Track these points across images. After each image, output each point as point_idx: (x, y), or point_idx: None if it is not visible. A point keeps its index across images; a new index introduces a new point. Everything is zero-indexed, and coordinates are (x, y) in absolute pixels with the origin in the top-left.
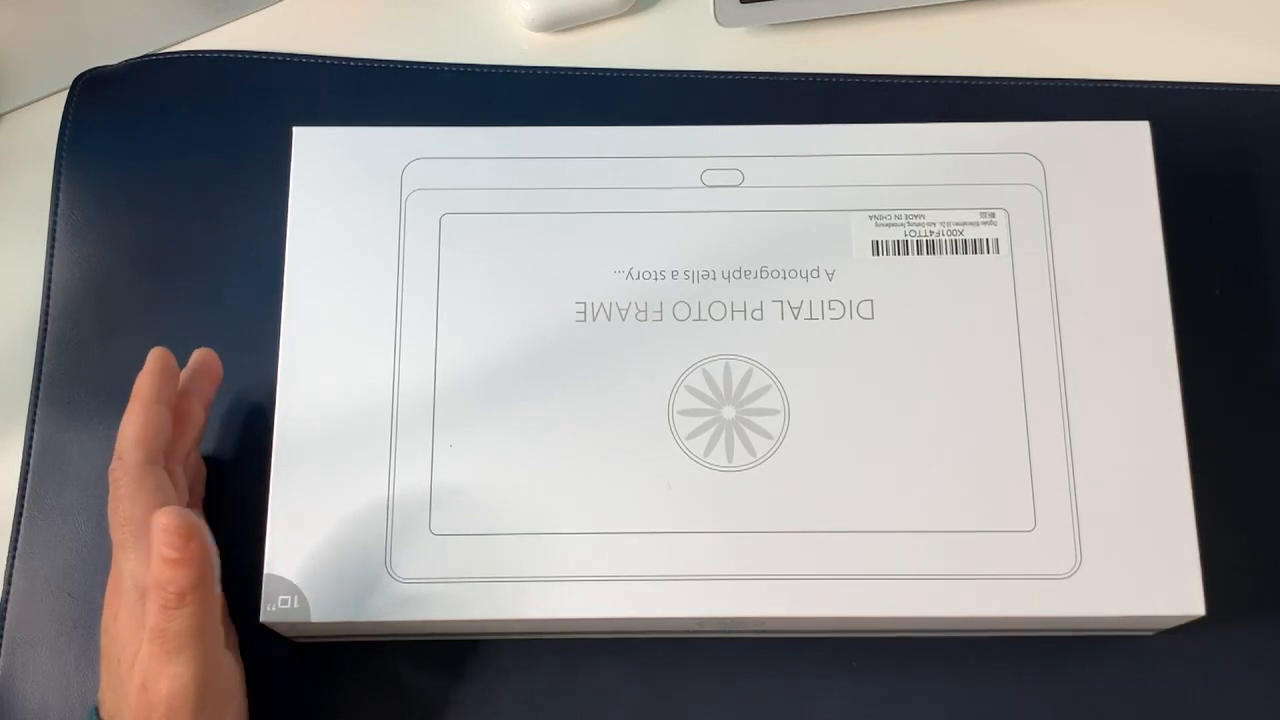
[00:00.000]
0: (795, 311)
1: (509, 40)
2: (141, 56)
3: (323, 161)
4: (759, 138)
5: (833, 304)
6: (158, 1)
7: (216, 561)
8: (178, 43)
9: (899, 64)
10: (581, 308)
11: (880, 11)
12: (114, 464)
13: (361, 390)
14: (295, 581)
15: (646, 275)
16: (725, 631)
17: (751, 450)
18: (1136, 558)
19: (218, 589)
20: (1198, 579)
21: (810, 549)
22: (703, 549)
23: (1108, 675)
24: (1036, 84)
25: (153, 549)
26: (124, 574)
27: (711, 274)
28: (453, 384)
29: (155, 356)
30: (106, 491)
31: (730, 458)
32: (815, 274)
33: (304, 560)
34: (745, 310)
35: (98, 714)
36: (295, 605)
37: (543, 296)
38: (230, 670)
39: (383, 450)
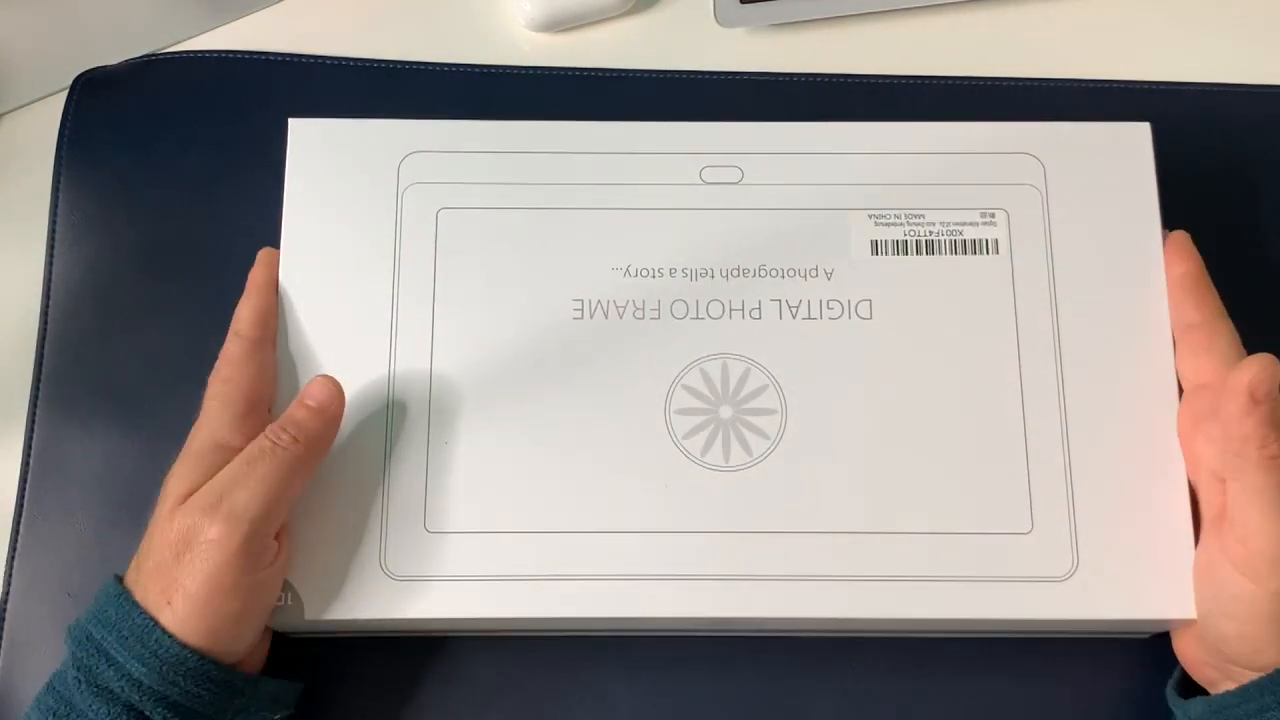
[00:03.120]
0: (794, 311)
1: (509, 40)
2: (141, 56)
3: (319, 153)
4: (758, 135)
5: (831, 303)
6: (158, 1)
7: (329, 443)
8: (178, 43)
9: (899, 64)
10: (579, 305)
11: (880, 12)
12: (229, 339)
13: (356, 385)
14: (289, 580)
15: (644, 273)
16: (723, 631)
17: (748, 450)
18: (1133, 561)
19: (314, 465)
20: (1191, 582)
21: (807, 550)
22: (699, 549)
23: (1105, 676)
24: (1036, 84)
25: (297, 401)
26: (202, 430)
27: (710, 272)
28: (448, 380)
29: (265, 253)
30: (106, 491)
31: (727, 457)
32: (814, 273)
33: (298, 558)
34: (743, 309)
35: (119, 579)
36: (289, 604)
37: (540, 293)
38: (269, 573)
39: (377, 446)
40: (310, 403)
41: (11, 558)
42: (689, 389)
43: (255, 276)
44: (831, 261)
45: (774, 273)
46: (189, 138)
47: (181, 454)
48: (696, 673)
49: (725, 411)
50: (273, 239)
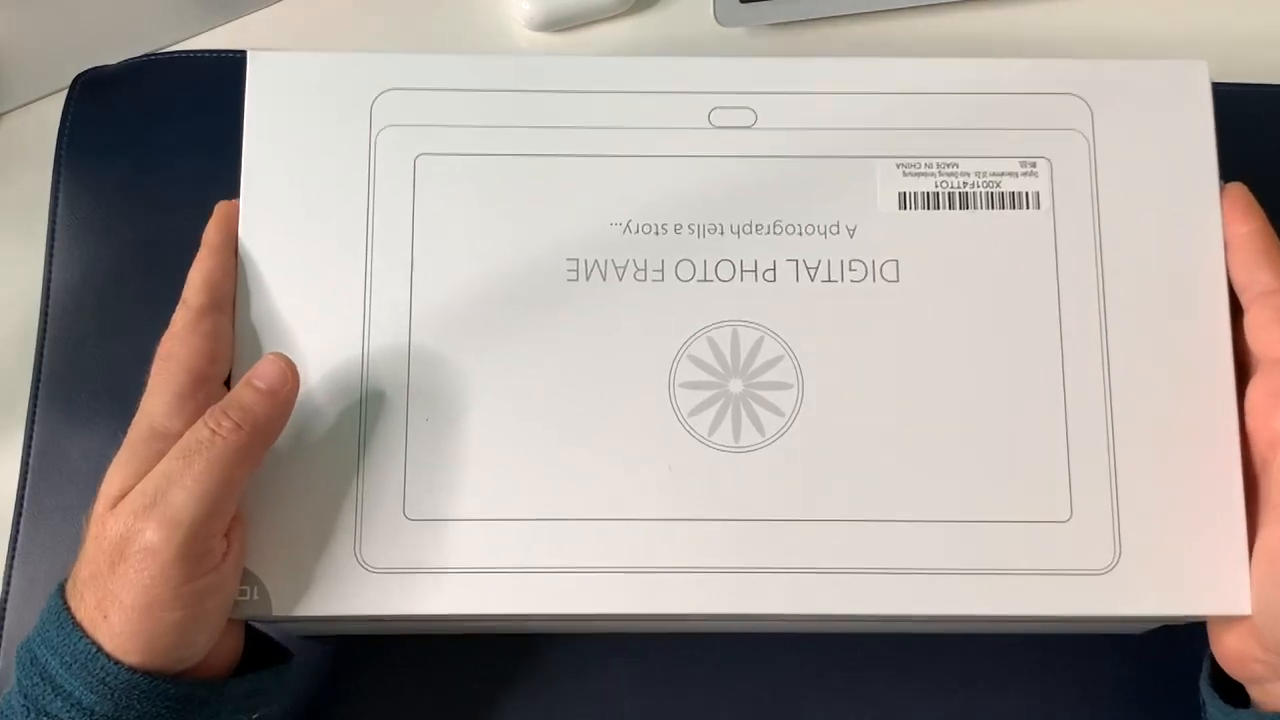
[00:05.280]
0: (812, 272)
1: (509, 40)
2: (141, 56)
3: (281, 93)
4: (774, 72)
5: (853, 264)
6: (157, 1)
7: (280, 429)
8: (177, 42)
9: None
10: (574, 265)
11: (880, 11)
12: (177, 309)
13: (327, 356)
14: (254, 571)
15: (646, 229)
16: (730, 628)
17: (760, 429)
18: (1181, 551)
19: (262, 454)
20: (1245, 576)
21: (822, 539)
22: (706, 538)
23: (1112, 672)
24: None
25: (244, 381)
26: (140, 415)
27: (719, 228)
28: (429, 350)
29: (223, 206)
30: None
31: (737, 436)
32: (835, 229)
33: (264, 547)
34: (756, 270)
35: (62, 591)
36: (255, 598)
37: (531, 251)
38: (217, 576)
39: (350, 424)
40: (259, 384)
41: (11, 558)
42: (695, 360)
43: (210, 235)
44: (854, 216)
45: (791, 229)
46: (189, 138)
47: (123, 444)
48: (699, 672)
49: (735, 385)
50: None
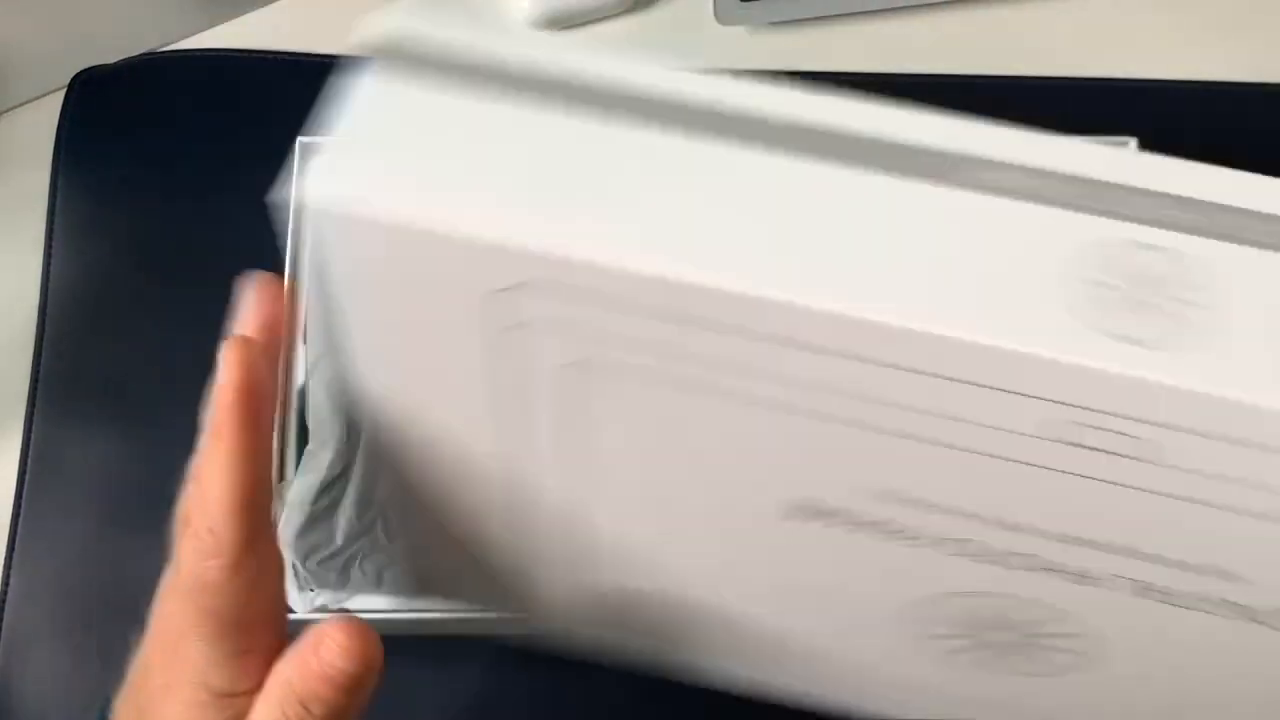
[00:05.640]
0: (1157, 594)
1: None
2: (140, 55)
3: (372, 250)
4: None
5: (1223, 605)
6: (157, 1)
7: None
8: (177, 41)
9: (900, 62)
10: (793, 507)
11: (881, 10)
12: (202, 531)
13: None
14: None
15: (914, 505)
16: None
17: (1013, 668)
18: None
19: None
20: None
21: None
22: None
23: None
24: (1037, 83)
25: (308, 655)
26: (194, 672)
27: (1032, 529)
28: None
29: (238, 367)
30: (106, 491)
31: (984, 666)
32: (1209, 571)
33: None
34: (1078, 575)
35: None
36: None
37: (731, 491)
38: None
39: None
40: (337, 677)
41: (9, 558)
42: (942, 616)
43: (226, 421)
44: (1251, 571)
45: (1141, 556)
46: (187, 137)
47: (171, 693)
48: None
49: (997, 635)
50: (271, 238)
